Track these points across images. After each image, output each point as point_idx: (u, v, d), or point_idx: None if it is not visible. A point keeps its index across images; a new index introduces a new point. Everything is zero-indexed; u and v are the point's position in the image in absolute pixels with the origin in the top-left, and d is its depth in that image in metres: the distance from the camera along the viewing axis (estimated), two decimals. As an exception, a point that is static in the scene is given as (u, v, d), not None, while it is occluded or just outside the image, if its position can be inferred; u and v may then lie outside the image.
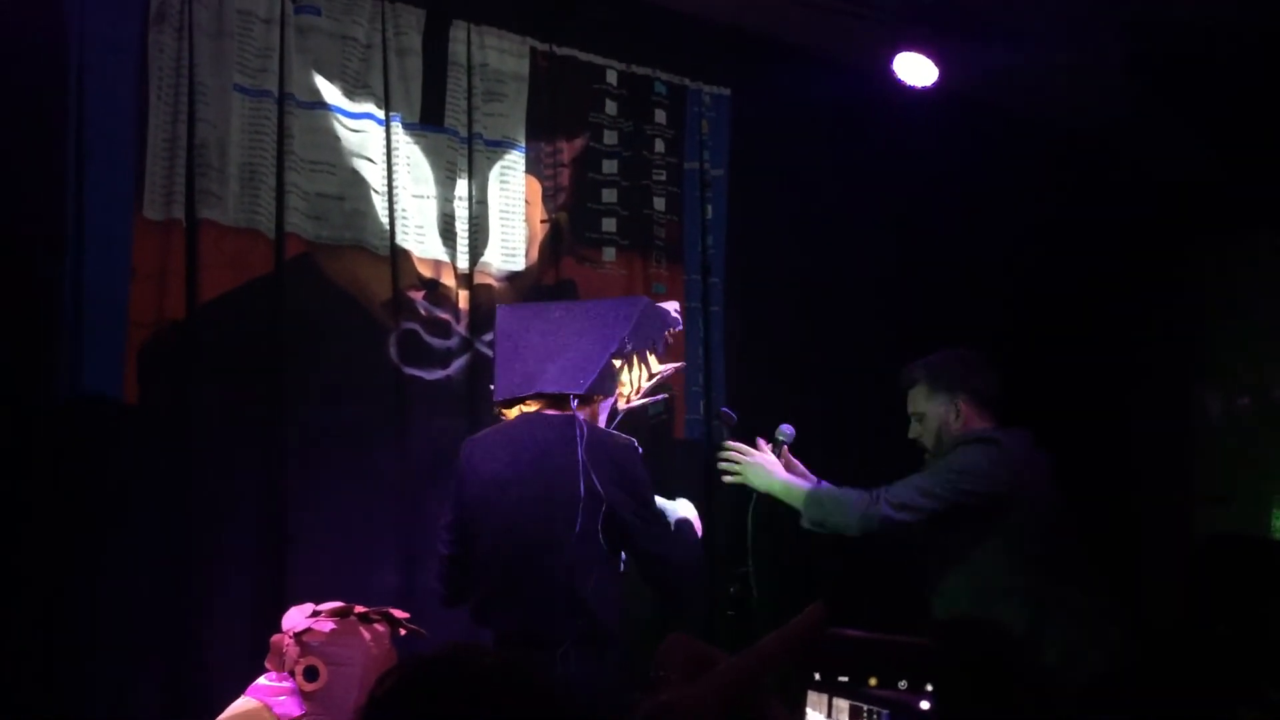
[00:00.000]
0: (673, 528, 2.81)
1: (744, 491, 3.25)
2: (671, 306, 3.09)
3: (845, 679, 0.68)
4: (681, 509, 2.90)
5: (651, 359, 2.95)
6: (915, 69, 4.17)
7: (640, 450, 2.80)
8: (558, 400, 2.79)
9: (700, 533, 2.92)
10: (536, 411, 2.82)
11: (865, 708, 0.76)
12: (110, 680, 2.99)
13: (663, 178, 4.21)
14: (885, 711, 0.73)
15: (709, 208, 4.28)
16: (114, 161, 3.16)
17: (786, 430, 3.28)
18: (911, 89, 4.21)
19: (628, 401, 2.96)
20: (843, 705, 0.77)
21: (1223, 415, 5.35)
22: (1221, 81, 4.44)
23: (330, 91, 3.55)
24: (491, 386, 2.94)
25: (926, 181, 4.62)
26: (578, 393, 2.76)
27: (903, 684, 0.67)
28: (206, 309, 3.26)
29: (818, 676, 0.69)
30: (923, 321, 4.54)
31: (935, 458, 3.24)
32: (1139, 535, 5.09)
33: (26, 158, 3.06)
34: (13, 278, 3.00)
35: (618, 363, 2.84)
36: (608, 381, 2.82)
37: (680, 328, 3.13)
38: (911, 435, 3.32)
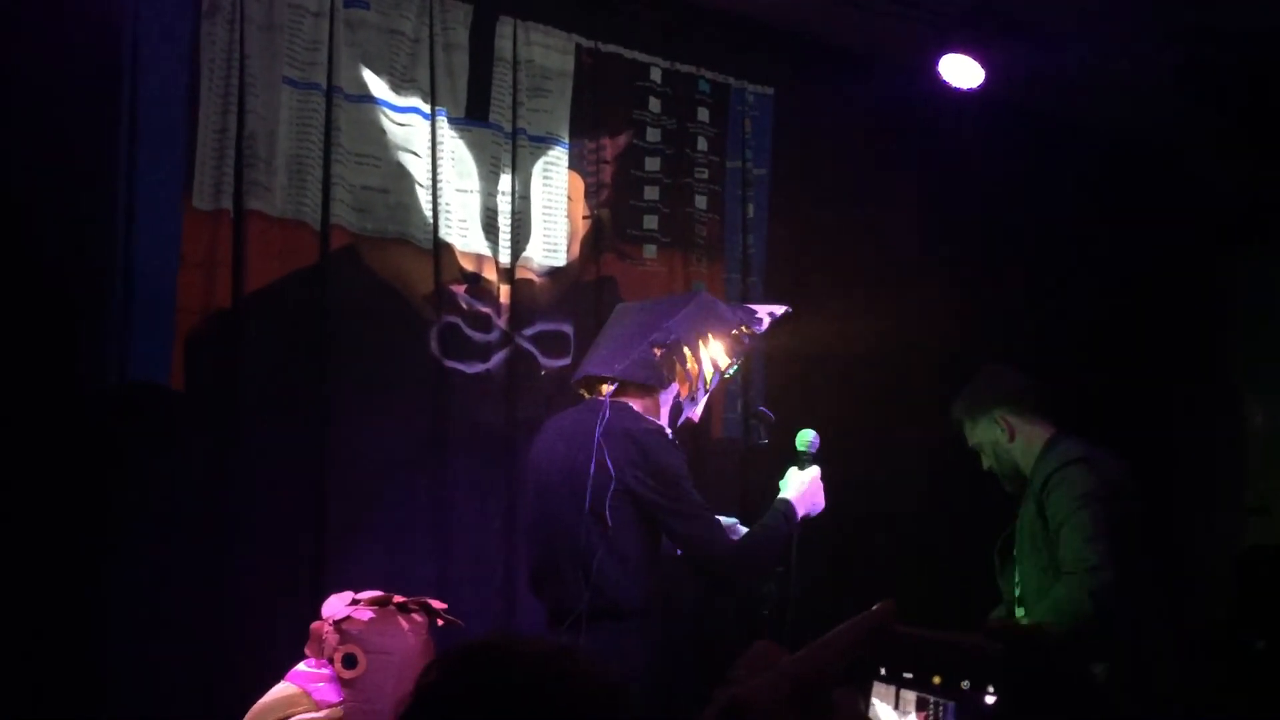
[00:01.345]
0: (724, 523, 2.81)
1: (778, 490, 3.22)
2: (766, 309, 3.05)
3: (910, 675, 0.69)
4: (805, 482, 2.88)
5: (721, 354, 2.91)
6: (961, 71, 4.15)
7: (670, 437, 2.80)
8: (611, 386, 2.83)
9: (815, 508, 2.90)
10: (588, 398, 2.91)
11: (932, 700, 0.77)
12: (151, 663, 3.03)
13: (705, 176, 4.22)
14: (950, 704, 0.73)
15: (750, 206, 4.28)
16: (165, 151, 3.21)
17: (811, 442, 3.00)
18: (957, 91, 4.19)
19: (692, 398, 2.92)
20: (910, 696, 0.77)
21: (1266, 426, 5.28)
22: (1268, 90, 4.39)
23: (377, 85, 3.58)
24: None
25: (969, 184, 4.60)
26: (606, 375, 2.82)
27: (965, 684, 0.68)
28: (253, 298, 3.30)
29: (883, 672, 0.69)
30: (964, 324, 4.52)
31: (1010, 481, 3.20)
32: (1182, 546, 5.04)
33: (80, 147, 3.10)
34: (64, 265, 3.06)
35: (658, 351, 2.81)
36: (646, 369, 2.81)
37: (763, 329, 3.03)
38: (986, 467, 3.29)
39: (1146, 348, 5.06)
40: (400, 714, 1.04)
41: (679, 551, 2.83)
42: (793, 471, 2.97)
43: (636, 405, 2.82)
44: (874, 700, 0.72)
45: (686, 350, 2.86)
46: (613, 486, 2.66)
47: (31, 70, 3.00)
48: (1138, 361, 4.98)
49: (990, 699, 0.70)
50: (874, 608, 0.74)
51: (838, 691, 0.69)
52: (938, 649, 0.71)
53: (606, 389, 2.82)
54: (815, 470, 2.95)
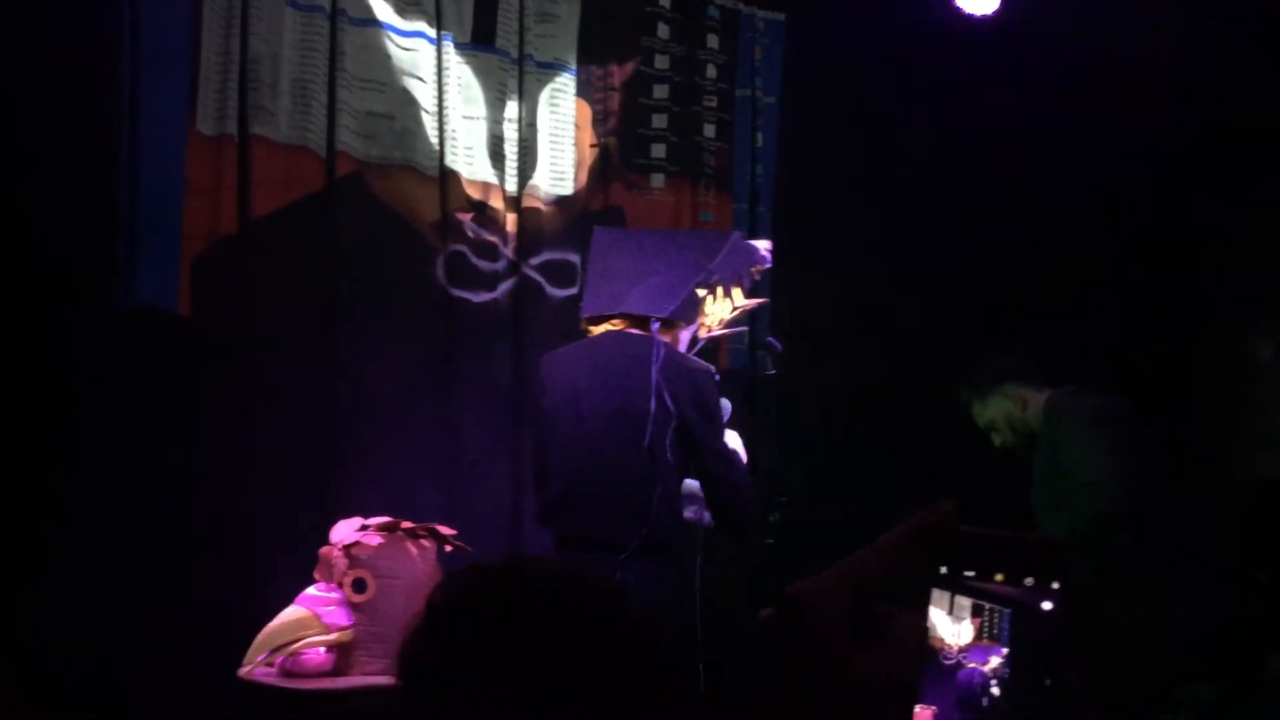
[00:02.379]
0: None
1: (785, 421, 3.27)
2: (763, 245, 3.18)
3: (971, 574, 0.68)
4: (730, 440, 2.94)
5: (736, 293, 3.03)
6: (976, -3, 4.08)
7: (717, 377, 2.89)
8: (640, 322, 2.88)
9: (746, 461, 2.96)
10: (620, 330, 2.91)
11: (988, 606, 0.76)
12: (161, 586, 3.06)
13: (714, 104, 4.17)
14: (1008, 610, 0.73)
15: (759, 135, 4.23)
16: (168, 76, 3.17)
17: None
18: (971, 17, 4.12)
19: (708, 331, 3.03)
20: (965, 604, 0.77)
21: (1274, 361, 5.26)
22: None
23: (382, 9, 3.53)
24: (581, 304, 3.07)
25: (983, 113, 4.53)
26: (660, 316, 2.86)
27: (1029, 581, 0.67)
28: (259, 224, 3.28)
29: (944, 571, 0.69)
30: (976, 255, 4.49)
31: (1029, 451, 3.32)
32: (1194, 480, 5.05)
33: (82, 71, 3.07)
34: (69, 190, 3.04)
35: (702, 292, 2.94)
36: (690, 309, 2.93)
37: (769, 264, 3.18)
38: (999, 444, 3.41)
39: (1156, 280, 5.02)
40: (410, 631, 1.04)
41: (707, 492, 2.89)
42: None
43: (664, 338, 2.88)
44: (932, 607, 0.72)
45: (721, 291, 2.99)
46: (673, 424, 2.72)
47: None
48: (1147, 294, 4.94)
49: (1047, 605, 0.69)
50: (932, 506, 0.73)
51: (893, 608, 0.68)
52: (1001, 545, 0.71)
53: (654, 326, 2.85)
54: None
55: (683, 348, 2.97)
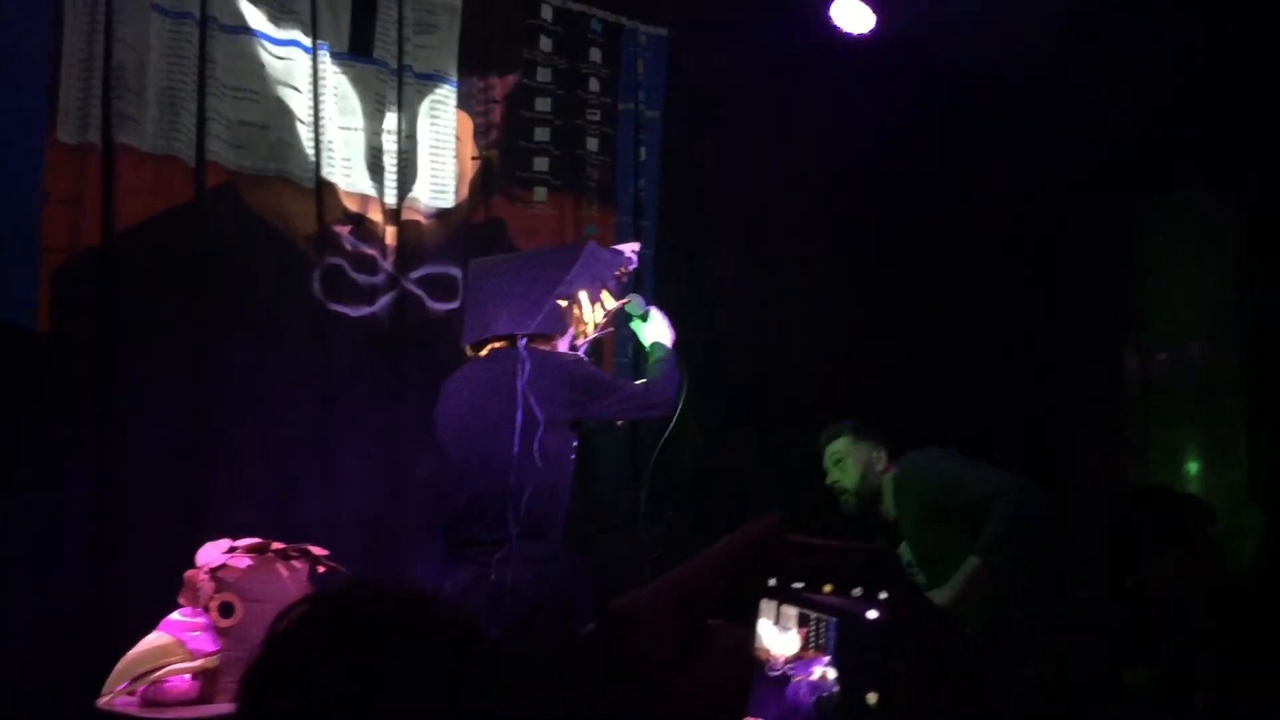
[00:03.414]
0: (652, 363, 3.18)
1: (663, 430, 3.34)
2: (629, 247, 3.32)
3: (800, 585, 0.67)
4: (653, 324, 3.24)
5: (606, 296, 3.19)
6: (853, 15, 4.16)
7: (585, 359, 3.13)
8: (512, 340, 3.02)
9: (672, 336, 3.24)
10: (494, 349, 3.08)
11: (814, 615, 0.76)
12: (16, 611, 2.92)
13: (596, 118, 4.16)
14: (833, 620, 0.73)
15: (642, 149, 4.24)
16: (26, 81, 3.06)
17: (641, 300, 3.35)
18: (849, 36, 4.19)
19: (585, 337, 3.18)
20: (791, 613, 0.77)
21: (1141, 371, 5.45)
22: (1155, 39, 4.47)
23: (255, 16, 3.45)
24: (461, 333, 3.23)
25: (861, 128, 4.62)
26: (525, 333, 3.00)
27: (857, 591, 0.67)
28: (124, 236, 3.17)
29: (772, 583, 0.68)
30: (854, 267, 4.57)
31: (864, 503, 3.60)
32: (1065, 488, 5.20)
33: (-69, 74, 2.94)
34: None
35: (563, 303, 3.08)
36: (555, 320, 3.06)
37: (634, 266, 3.32)
38: (831, 481, 3.65)
39: (1031, 290, 5.17)
40: (250, 663, 1.02)
41: (619, 422, 3.30)
42: (648, 326, 3.29)
43: (544, 348, 3.06)
44: (760, 619, 0.71)
45: (583, 297, 3.13)
46: (540, 430, 2.89)
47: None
48: (1022, 306, 5.09)
49: (873, 614, 0.69)
50: (760, 518, 0.72)
51: (719, 621, 0.67)
52: (828, 555, 0.70)
53: (521, 342, 3.00)
54: (656, 312, 3.31)
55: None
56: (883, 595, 0.68)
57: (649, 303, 3.36)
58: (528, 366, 2.93)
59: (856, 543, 0.72)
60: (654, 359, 3.23)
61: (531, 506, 2.90)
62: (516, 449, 2.88)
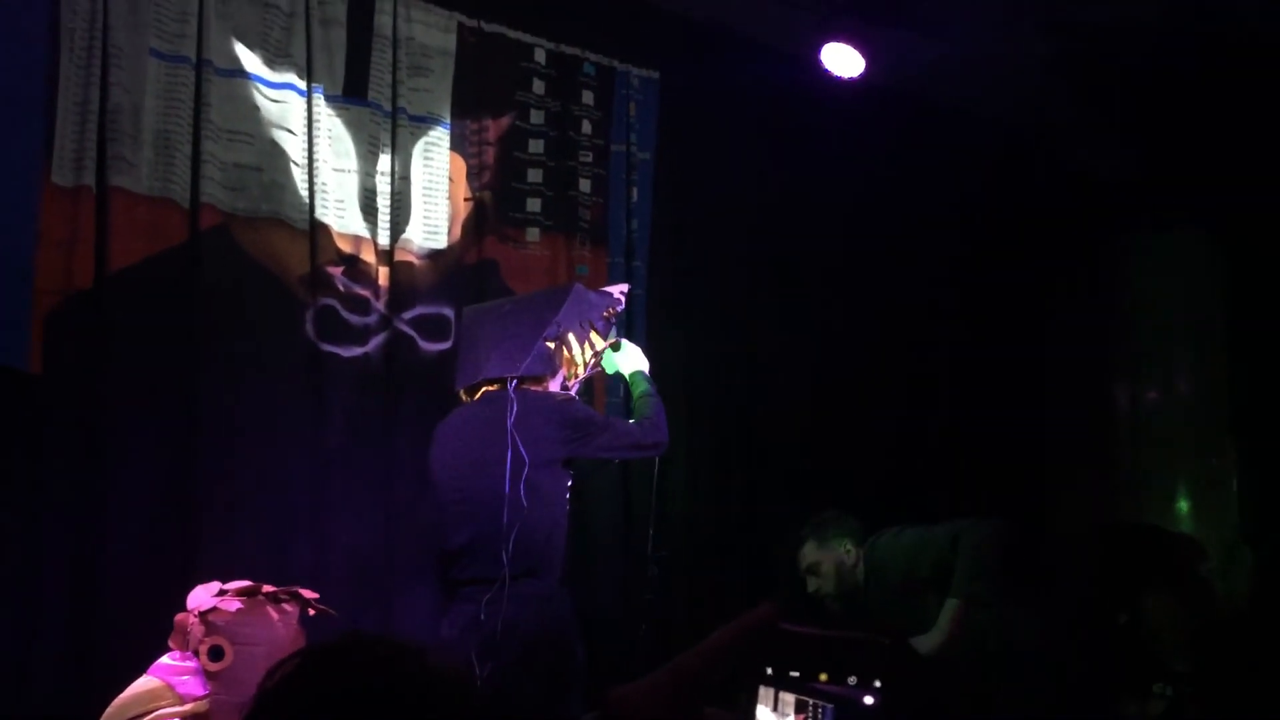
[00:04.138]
0: (637, 403, 3.20)
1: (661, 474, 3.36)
2: (618, 289, 3.37)
3: (796, 674, 0.68)
4: (627, 354, 3.27)
5: (595, 337, 3.23)
6: (843, 59, 4.20)
7: (576, 398, 3.17)
8: (503, 383, 3.04)
9: (647, 364, 3.29)
10: (486, 393, 3.11)
11: (811, 702, 0.76)
12: (11, 655, 2.91)
13: (589, 159, 4.19)
14: (830, 706, 0.73)
15: (634, 191, 4.27)
16: (21, 125, 3.07)
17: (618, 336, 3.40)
18: (839, 79, 4.23)
19: (576, 378, 3.21)
20: (789, 699, 0.77)
21: (1132, 408, 5.46)
22: (1143, 82, 4.53)
23: (250, 60, 3.48)
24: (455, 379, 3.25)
25: (852, 170, 4.66)
26: (515, 375, 3.02)
27: (852, 680, 0.67)
28: (117, 278, 3.18)
29: (770, 671, 0.68)
30: (846, 307, 4.59)
31: (844, 598, 3.64)
32: (1054, 526, 5.20)
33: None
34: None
35: (551, 345, 3.11)
36: (544, 362, 3.09)
37: (621, 307, 3.36)
38: (813, 590, 3.69)
39: (1022, 330, 5.20)
40: (244, 716, 1.02)
41: (615, 460, 3.38)
42: (620, 355, 3.30)
43: (535, 390, 3.08)
44: (759, 705, 0.71)
45: (572, 338, 3.16)
46: (526, 470, 2.91)
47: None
48: (1013, 343, 5.11)
49: (869, 700, 0.69)
50: (757, 608, 0.73)
51: (716, 710, 0.68)
52: (823, 645, 0.71)
53: (511, 384, 3.02)
54: (627, 342, 3.36)
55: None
56: (877, 684, 0.69)
57: (638, 342, 3.41)
58: (515, 407, 2.95)
59: (853, 632, 0.73)
60: (639, 392, 3.25)
61: (527, 545, 2.91)
62: (507, 489, 2.89)
